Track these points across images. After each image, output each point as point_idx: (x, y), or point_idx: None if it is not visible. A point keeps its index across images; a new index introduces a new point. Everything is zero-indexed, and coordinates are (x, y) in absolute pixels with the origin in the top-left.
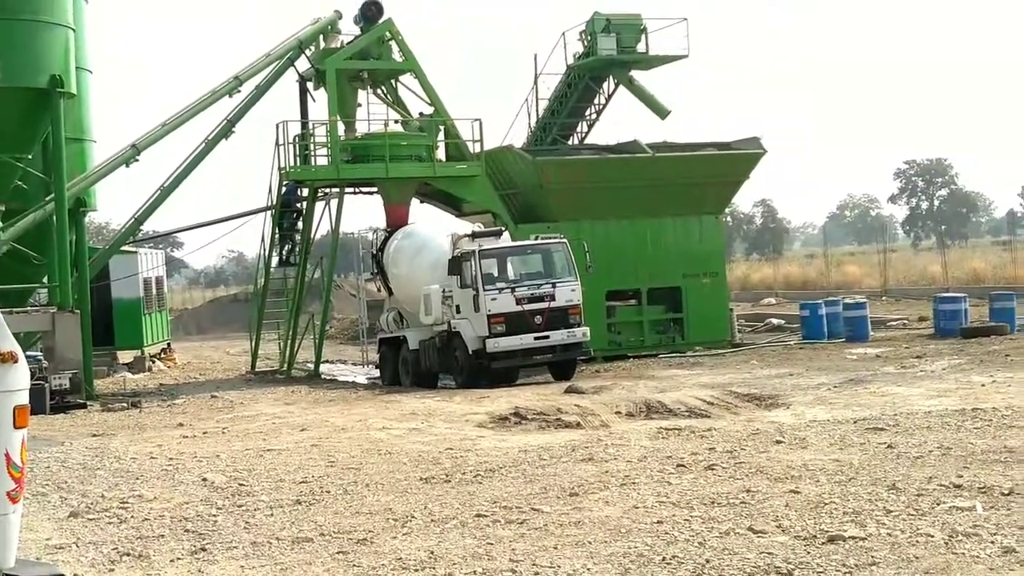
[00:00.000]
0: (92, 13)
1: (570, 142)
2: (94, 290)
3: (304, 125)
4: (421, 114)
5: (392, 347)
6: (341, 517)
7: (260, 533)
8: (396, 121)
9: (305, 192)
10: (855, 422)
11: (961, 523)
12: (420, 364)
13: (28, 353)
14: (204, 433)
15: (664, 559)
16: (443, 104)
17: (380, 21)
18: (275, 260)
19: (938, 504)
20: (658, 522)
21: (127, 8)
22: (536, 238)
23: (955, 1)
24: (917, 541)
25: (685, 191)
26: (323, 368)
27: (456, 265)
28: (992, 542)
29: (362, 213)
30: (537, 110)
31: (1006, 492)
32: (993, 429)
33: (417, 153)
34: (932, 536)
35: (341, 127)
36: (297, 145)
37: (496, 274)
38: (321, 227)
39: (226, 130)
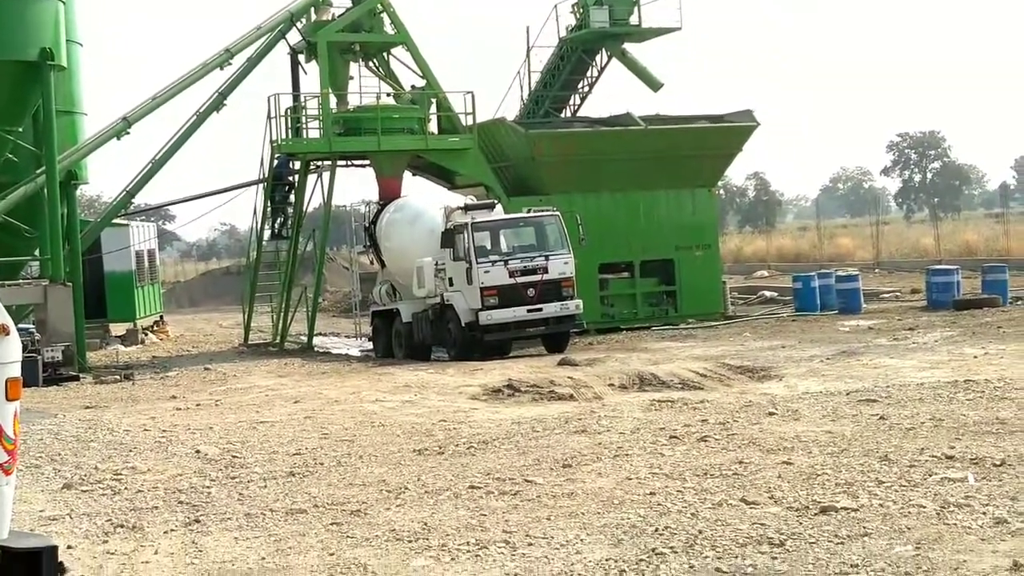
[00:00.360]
0: None
1: (563, 115)
2: (86, 263)
3: (296, 98)
4: (413, 87)
5: (385, 320)
6: (335, 489)
7: (254, 505)
8: (388, 94)
9: (297, 165)
10: (847, 394)
11: (953, 494)
12: (413, 337)
13: (20, 326)
14: (197, 405)
15: (657, 530)
16: (435, 77)
17: None
18: (267, 233)
19: (930, 475)
20: (651, 493)
21: None
22: (529, 211)
23: None
24: (909, 512)
25: (678, 164)
26: (316, 341)
27: (449, 238)
28: (984, 513)
29: (354, 186)
30: (530, 83)
31: (998, 463)
32: (985, 401)
33: (409, 126)
34: (924, 507)
35: (333, 100)
36: (289, 118)
37: (489, 247)
38: (313, 200)
39: (217, 103)
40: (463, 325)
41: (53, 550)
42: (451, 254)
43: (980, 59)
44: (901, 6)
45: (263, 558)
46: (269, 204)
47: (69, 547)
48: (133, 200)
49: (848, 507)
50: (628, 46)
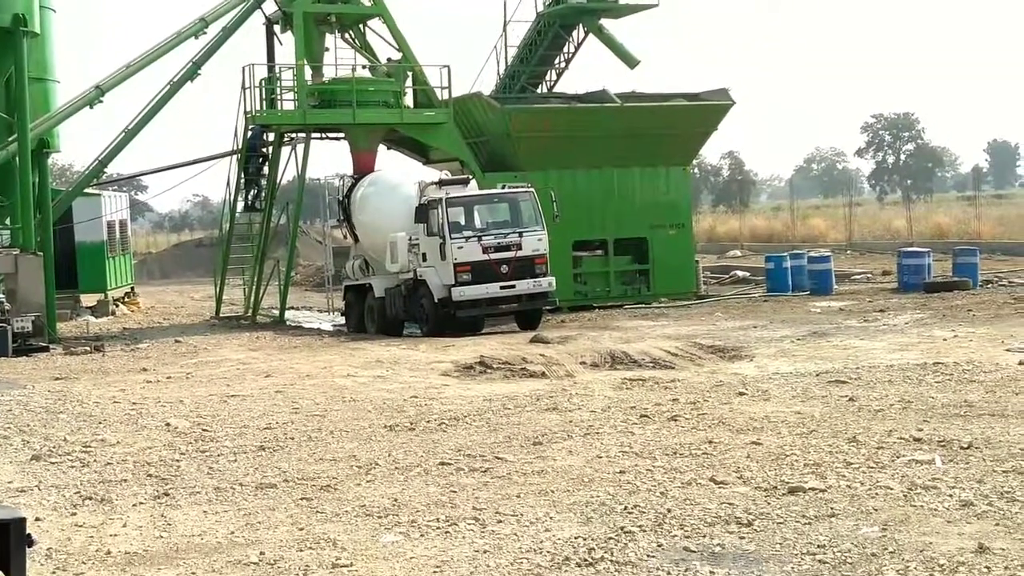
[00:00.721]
0: None
1: (539, 90)
2: (57, 233)
3: (271, 69)
4: (389, 60)
5: (358, 294)
6: (305, 464)
7: (223, 479)
8: (364, 66)
9: (271, 137)
10: (817, 375)
11: (920, 476)
12: (386, 312)
13: None
14: (168, 378)
15: (626, 508)
16: (411, 50)
17: None
18: (240, 205)
19: (898, 457)
20: (621, 472)
21: None
22: (503, 187)
23: None
24: (876, 493)
25: (653, 141)
26: (288, 314)
27: (423, 213)
28: (950, 495)
29: (329, 159)
30: (506, 58)
31: (965, 446)
32: (954, 383)
33: (384, 99)
34: (891, 488)
35: (308, 71)
36: (263, 89)
37: (463, 222)
38: (287, 172)
39: (191, 72)
40: (436, 301)
41: (21, 522)
42: (425, 229)
43: (956, 42)
44: None
45: (232, 532)
46: (242, 176)
47: (37, 519)
48: (105, 170)
49: (816, 488)
50: (605, 22)
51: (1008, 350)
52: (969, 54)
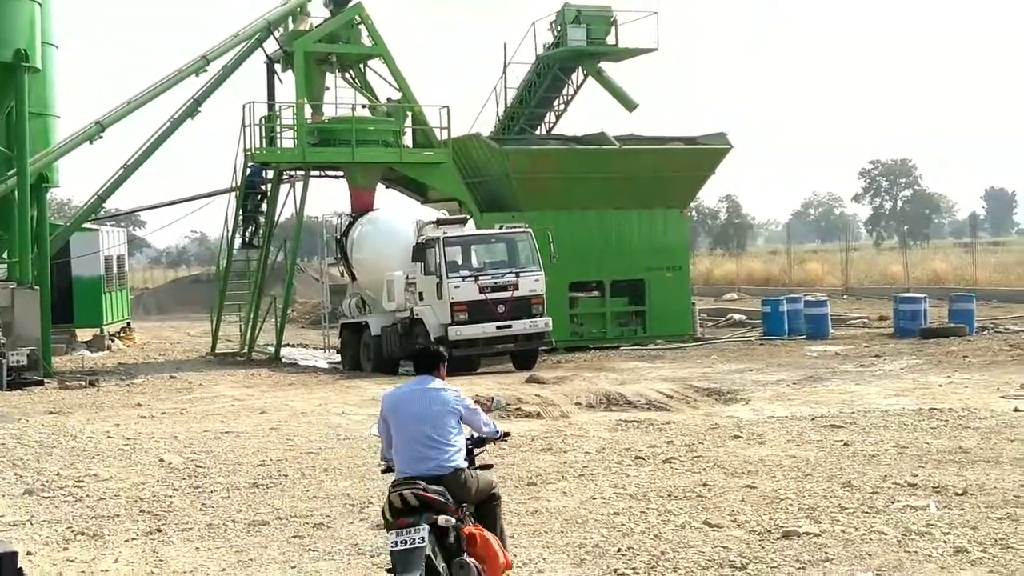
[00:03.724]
0: None
1: (538, 132)
2: (54, 267)
3: (271, 107)
4: (389, 99)
5: (354, 332)
6: (298, 501)
7: (216, 515)
8: (364, 106)
9: (270, 174)
10: (813, 419)
11: (915, 522)
12: (382, 350)
13: None
14: (162, 413)
15: (620, 550)
16: (411, 90)
17: (350, 4)
18: (238, 242)
19: (892, 502)
20: (615, 513)
21: None
22: (501, 227)
23: (925, 4)
24: (871, 538)
25: (651, 184)
26: (284, 352)
27: (420, 252)
28: (944, 541)
29: (327, 197)
30: (506, 99)
31: (960, 492)
32: (949, 429)
33: (384, 138)
34: (885, 534)
35: (308, 110)
36: (263, 127)
37: (460, 262)
38: (285, 210)
39: (192, 109)
40: (432, 340)
41: (13, 556)
42: (422, 268)
43: (954, 90)
44: (877, 34)
45: (224, 569)
46: (241, 213)
47: (29, 553)
48: (104, 205)
49: (810, 532)
50: (604, 65)
51: (1003, 397)
52: (967, 102)
